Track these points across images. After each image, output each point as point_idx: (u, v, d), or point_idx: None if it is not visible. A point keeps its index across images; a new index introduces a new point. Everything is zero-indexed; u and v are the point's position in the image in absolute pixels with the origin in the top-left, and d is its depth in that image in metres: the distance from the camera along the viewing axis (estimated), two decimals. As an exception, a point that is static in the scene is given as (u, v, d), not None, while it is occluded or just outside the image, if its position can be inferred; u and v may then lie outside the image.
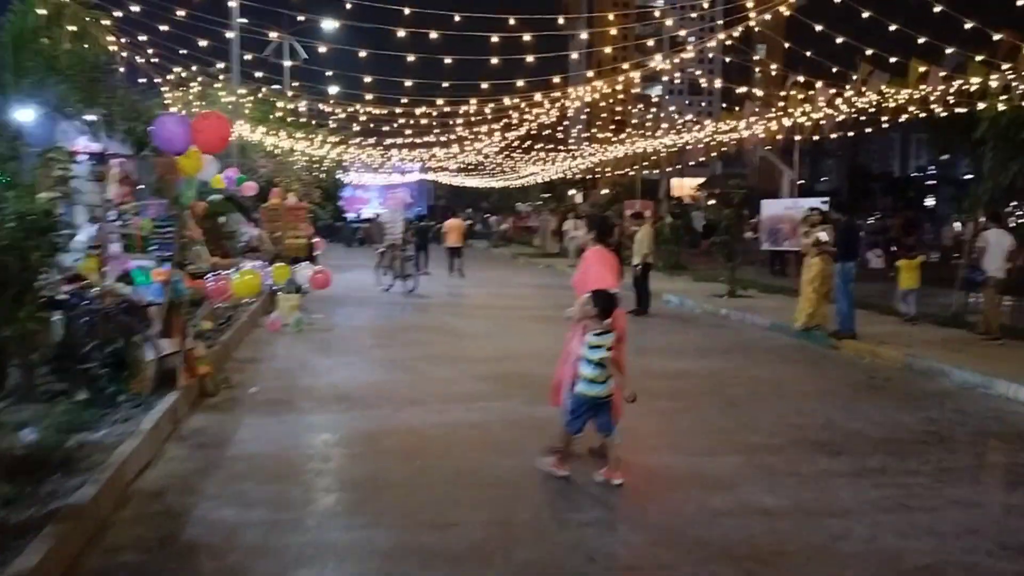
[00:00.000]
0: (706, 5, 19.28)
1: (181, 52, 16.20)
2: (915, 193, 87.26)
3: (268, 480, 5.77)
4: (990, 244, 12.07)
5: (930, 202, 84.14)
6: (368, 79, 18.70)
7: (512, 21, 16.78)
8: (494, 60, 17.97)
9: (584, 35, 27.14)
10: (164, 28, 14.78)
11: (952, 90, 14.71)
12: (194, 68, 17.37)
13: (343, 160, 28.41)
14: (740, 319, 14.94)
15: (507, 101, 20.75)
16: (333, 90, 24.44)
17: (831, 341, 12.04)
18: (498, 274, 26.14)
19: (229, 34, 18.63)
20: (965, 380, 9.62)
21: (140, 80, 16.03)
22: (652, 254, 15.48)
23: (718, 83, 21.30)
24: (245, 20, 20.99)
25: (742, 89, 20.82)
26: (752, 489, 5.78)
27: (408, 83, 18.31)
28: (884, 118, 16.00)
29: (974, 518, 5.33)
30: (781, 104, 19.19)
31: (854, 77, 16.49)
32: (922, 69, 15.06)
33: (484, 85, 19.13)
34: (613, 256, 6.75)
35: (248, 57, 18.17)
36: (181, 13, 14.26)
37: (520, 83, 19.32)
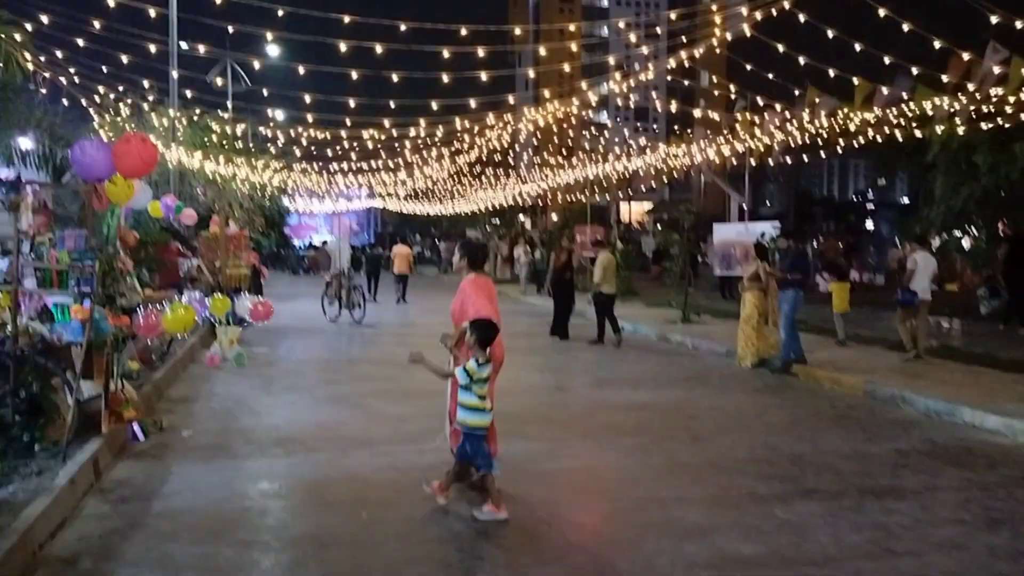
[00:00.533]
0: (656, 29, 19.27)
1: (112, 73, 15.44)
2: (855, 217, 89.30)
3: (198, 540, 5.19)
4: (918, 266, 12.36)
5: (869, 226, 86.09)
6: (310, 100, 18.16)
7: (464, 31, 16.44)
8: (444, 78, 17.69)
9: (531, 72, 26.89)
10: (83, 46, 14.03)
11: (897, 114, 14.79)
12: (122, 89, 16.61)
13: (287, 187, 27.73)
14: (695, 346, 14.68)
15: (457, 124, 20.34)
16: (278, 115, 23.95)
17: (784, 371, 11.81)
18: (448, 302, 25.57)
19: (164, 54, 17.95)
20: (928, 407, 9.43)
21: (64, 102, 15.32)
22: (611, 283, 14.86)
23: (672, 106, 21.11)
24: (184, 44, 20.38)
25: (697, 112, 20.74)
26: (727, 536, 5.38)
27: (352, 102, 17.77)
28: (841, 142, 16.01)
29: (962, 564, 5.02)
30: (730, 129, 19.17)
31: (797, 95, 16.53)
32: (861, 97, 15.13)
33: (433, 105, 18.68)
34: (491, 284, 6.69)
35: (176, 75, 17.31)
36: (103, 29, 13.54)
37: (471, 103, 18.91)
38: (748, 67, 16.61)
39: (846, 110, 14.77)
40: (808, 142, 17.25)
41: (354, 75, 15.63)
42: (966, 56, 12.61)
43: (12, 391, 6.35)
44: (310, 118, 19.41)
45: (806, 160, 19.51)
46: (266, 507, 5.89)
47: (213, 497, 6.02)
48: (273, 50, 26.51)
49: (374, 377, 11.33)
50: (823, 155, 19.15)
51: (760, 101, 18.10)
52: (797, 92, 16.73)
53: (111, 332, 6.68)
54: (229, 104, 28.93)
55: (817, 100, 15.19)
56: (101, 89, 15.26)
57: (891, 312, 14.54)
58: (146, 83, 17.87)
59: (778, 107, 17.69)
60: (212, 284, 15.25)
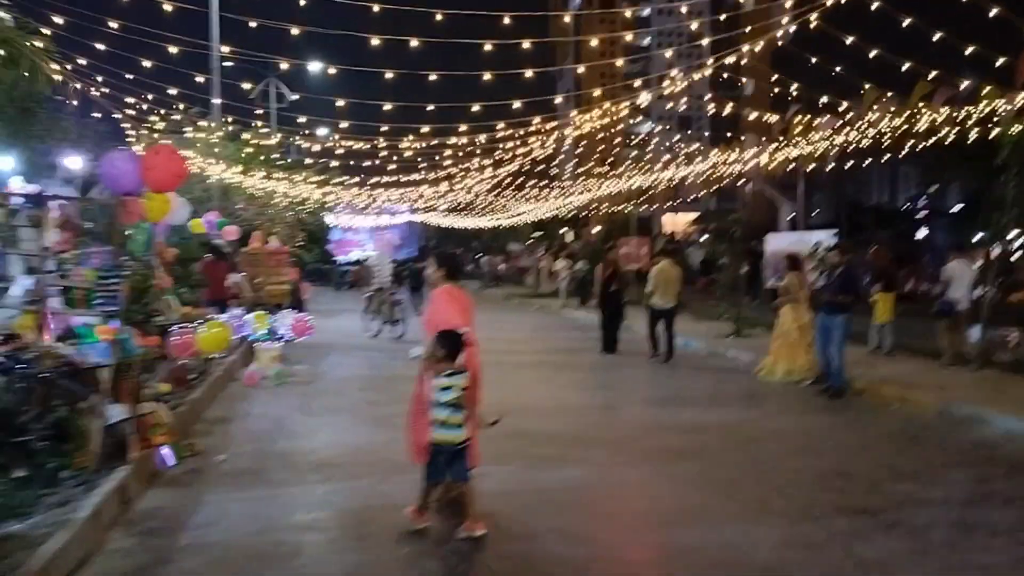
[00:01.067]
0: (701, 41, 18.71)
1: (145, 82, 15.31)
2: (906, 225, 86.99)
3: (226, 579, 4.81)
4: (955, 275, 12.40)
5: (921, 234, 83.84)
6: (345, 104, 17.88)
7: (490, 47, 16.09)
8: (476, 107, 17.49)
9: (572, 79, 26.43)
10: (114, 54, 13.90)
11: (960, 115, 14.06)
12: (159, 104, 16.54)
13: (327, 201, 27.61)
14: (750, 362, 14.02)
15: (499, 128, 19.84)
16: (320, 131, 23.85)
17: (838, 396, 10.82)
18: (490, 316, 25.20)
19: (206, 76, 17.93)
20: (1010, 428, 8.74)
21: (97, 115, 15.24)
22: (666, 295, 13.82)
23: (717, 108, 20.48)
24: (229, 62, 20.40)
25: (748, 115, 20.06)
26: (803, 577, 4.85)
27: (389, 105, 17.40)
28: (908, 143, 15.25)
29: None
30: (782, 136, 18.51)
31: (845, 107, 15.81)
32: (919, 96, 14.44)
33: (474, 107, 18.23)
34: (464, 295, 6.58)
35: (218, 98, 17.29)
36: (154, 51, 13.46)
37: (515, 104, 18.34)
38: (795, 72, 16.04)
39: (909, 110, 14.07)
40: (867, 146, 16.51)
41: (388, 75, 15.30)
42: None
43: (38, 415, 6.07)
44: (346, 125, 19.10)
45: (864, 164, 18.62)
46: (300, 542, 5.48)
47: (245, 530, 5.64)
48: (314, 65, 26.54)
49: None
50: (881, 160, 18.32)
51: (819, 101, 17.39)
52: (853, 99, 16.08)
53: (139, 352, 6.37)
54: (273, 120, 29.02)
55: (878, 101, 14.52)
56: (133, 100, 15.14)
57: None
58: (179, 93, 17.83)
59: (839, 108, 17.02)
60: (254, 300, 15.04)
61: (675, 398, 10.96)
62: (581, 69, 25.49)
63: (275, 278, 15.36)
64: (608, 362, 14.56)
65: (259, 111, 24.57)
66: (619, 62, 25.64)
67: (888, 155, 17.49)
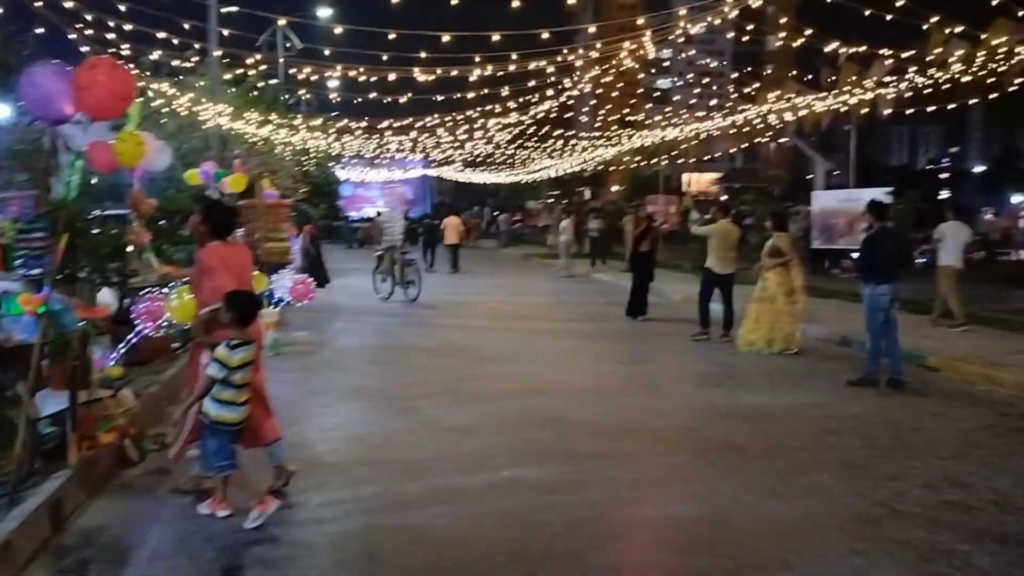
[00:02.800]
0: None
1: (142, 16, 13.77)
2: (930, 187, 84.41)
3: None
4: (946, 236, 12.43)
5: (943, 195, 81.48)
6: (349, 38, 16.31)
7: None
8: (496, 36, 15.85)
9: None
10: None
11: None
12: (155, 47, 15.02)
13: (334, 151, 26.03)
14: (804, 334, 12.59)
15: (513, 62, 18.04)
16: (332, 83, 22.19)
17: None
18: (509, 278, 23.86)
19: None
20: None
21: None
22: (724, 260, 11.82)
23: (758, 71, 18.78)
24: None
25: (798, 72, 18.40)
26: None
27: (392, 34, 15.73)
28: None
29: None
30: (834, 79, 16.84)
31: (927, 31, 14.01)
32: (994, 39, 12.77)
33: (494, 37, 16.54)
34: (243, 251, 5.77)
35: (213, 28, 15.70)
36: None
37: (547, 34, 16.52)
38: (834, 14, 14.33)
39: (986, 52, 12.42)
40: (934, 91, 14.86)
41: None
42: None
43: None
44: (360, 71, 17.46)
45: (929, 110, 16.84)
46: (280, 580, 4.17)
47: (211, 558, 4.34)
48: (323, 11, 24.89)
49: (428, 371, 9.59)
50: (948, 106, 16.55)
51: (857, 49, 15.72)
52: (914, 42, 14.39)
53: (77, 327, 5.02)
54: (281, 72, 27.43)
55: (946, 42, 12.87)
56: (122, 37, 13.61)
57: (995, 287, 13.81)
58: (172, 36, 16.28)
59: (888, 53, 15.35)
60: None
61: (725, 376, 9.56)
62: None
63: (274, 234, 13.93)
64: (641, 330, 13.15)
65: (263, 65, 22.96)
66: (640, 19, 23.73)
67: (958, 101, 15.79)
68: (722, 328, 11.84)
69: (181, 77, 19.08)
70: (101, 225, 8.61)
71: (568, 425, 7.08)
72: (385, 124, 20.86)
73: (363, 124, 21.08)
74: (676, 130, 29.00)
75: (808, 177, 30.14)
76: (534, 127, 28.07)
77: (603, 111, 39.33)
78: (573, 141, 36.43)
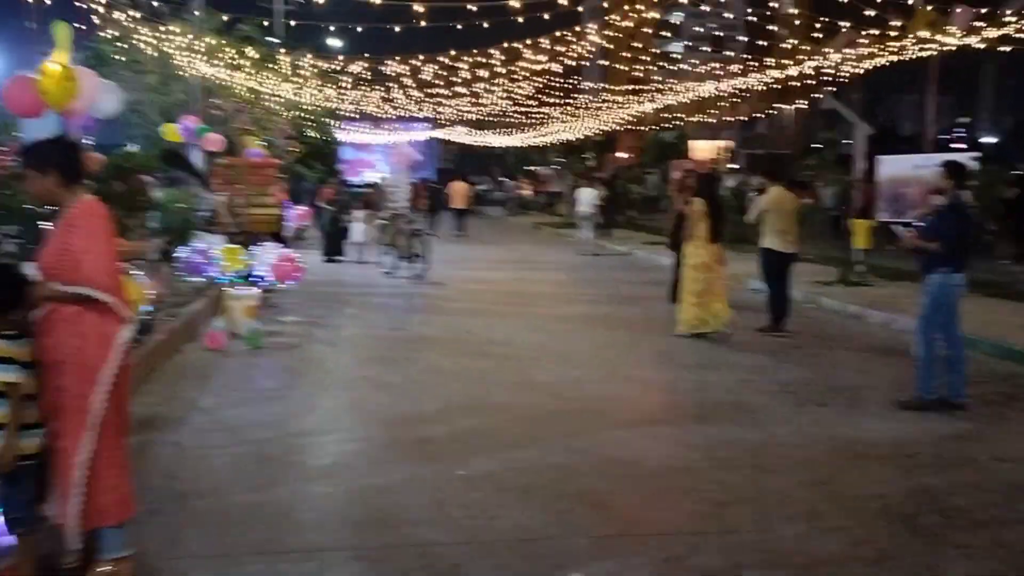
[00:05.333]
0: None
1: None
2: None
3: None
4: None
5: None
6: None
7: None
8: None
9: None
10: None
11: None
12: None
13: (334, 108, 23.76)
14: (884, 323, 10.56)
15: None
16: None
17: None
18: (521, 250, 21.75)
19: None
20: None
21: None
22: (784, 236, 9.70)
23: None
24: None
25: (833, 23, 16.19)
26: None
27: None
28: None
29: None
30: (906, 26, 14.65)
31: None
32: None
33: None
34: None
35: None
36: None
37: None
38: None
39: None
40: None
41: None
42: None
43: None
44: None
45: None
46: None
47: None
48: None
49: (440, 374, 7.52)
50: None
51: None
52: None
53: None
54: (278, 24, 25.15)
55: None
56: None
57: None
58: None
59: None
60: (233, 227, 11.65)
61: (823, 385, 7.44)
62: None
63: (259, 199, 11.88)
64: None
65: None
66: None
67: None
68: (771, 322, 9.82)
69: (164, 24, 16.96)
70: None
71: (634, 469, 5.08)
72: (391, 73, 18.45)
73: (365, 66, 18.71)
74: (692, 91, 26.87)
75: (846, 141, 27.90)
76: (547, 81, 25.84)
77: (612, 73, 37.09)
78: (582, 102, 34.17)
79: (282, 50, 19.16)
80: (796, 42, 19.52)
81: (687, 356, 8.61)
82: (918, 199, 14.02)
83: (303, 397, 6.70)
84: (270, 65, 17.27)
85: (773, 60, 21.45)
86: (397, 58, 16.19)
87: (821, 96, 24.71)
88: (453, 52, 16.48)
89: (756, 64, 22.29)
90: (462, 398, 6.72)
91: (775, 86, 24.06)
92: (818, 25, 17.40)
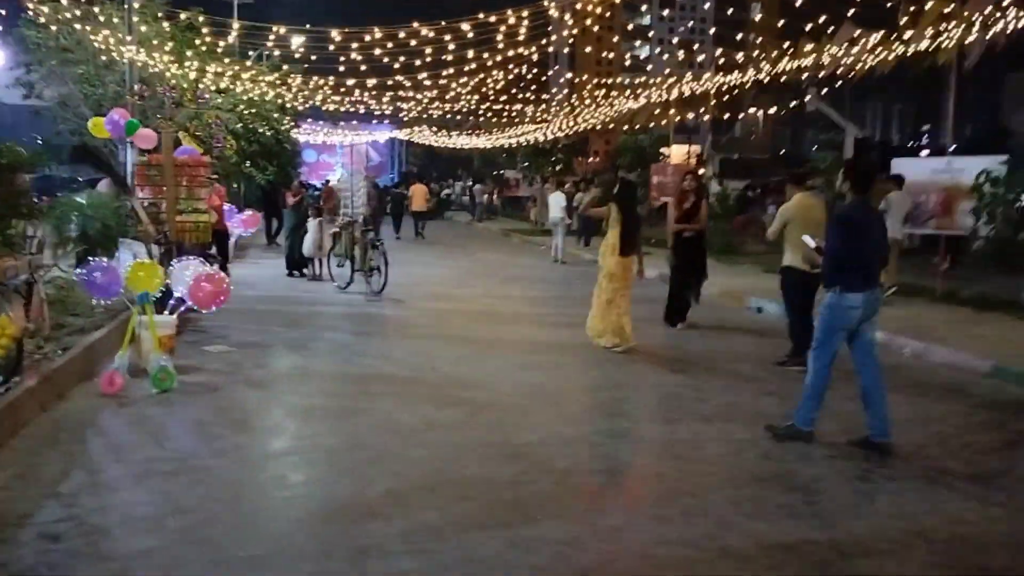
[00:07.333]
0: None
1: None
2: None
3: None
4: (892, 205, 11.86)
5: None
6: None
7: None
8: None
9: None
10: None
11: None
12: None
13: (287, 102, 21.89)
14: (919, 354, 9.05)
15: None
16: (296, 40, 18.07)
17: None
18: (492, 260, 20.12)
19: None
20: None
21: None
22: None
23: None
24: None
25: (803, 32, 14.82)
26: None
27: None
28: None
29: None
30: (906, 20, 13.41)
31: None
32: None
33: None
34: None
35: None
36: None
37: None
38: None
39: None
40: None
41: None
42: None
43: None
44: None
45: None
46: None
47: None
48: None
49: (404, 436, 5.78)
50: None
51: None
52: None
53: None
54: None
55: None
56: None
57: None
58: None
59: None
60: (156, 237, 9.88)
61: (850, 431, 5.90)
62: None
63: (188, 203, 10.07)
64: (694, 347, 9.51)
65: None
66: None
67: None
68: (791, 349, 8.34)
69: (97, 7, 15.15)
70: None
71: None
72: (347, 66, 16.55)
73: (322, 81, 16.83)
74: (663, 92, 25.59)
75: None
76: (514, 80, 24.39)
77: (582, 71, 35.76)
78: (550, 103, 32.73)
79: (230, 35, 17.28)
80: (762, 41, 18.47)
81: (695, 398, 7.00)
82: (937, 209, 12.69)
83: (204, 474, 4.94)
84: (215, 52, 15.48)
85: (742, 57, 20.43)
86: (347, 29, 14.33)
87: (807, 98, 23.46)
88: (415, 24, 14.74)
89: (724, 66, 21.42)
90: (422, 472, 5.03)
91: (748, 88, 23.08)
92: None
